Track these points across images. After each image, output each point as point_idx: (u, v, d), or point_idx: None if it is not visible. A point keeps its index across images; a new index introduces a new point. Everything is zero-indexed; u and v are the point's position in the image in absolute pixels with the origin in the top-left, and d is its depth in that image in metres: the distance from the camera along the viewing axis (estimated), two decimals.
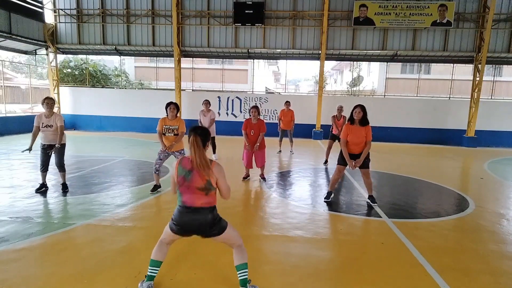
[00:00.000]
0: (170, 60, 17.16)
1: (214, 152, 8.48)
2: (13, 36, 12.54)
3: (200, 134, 2.34)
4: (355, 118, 4.79)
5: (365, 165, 4.87)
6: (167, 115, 5.22)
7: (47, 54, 14.95)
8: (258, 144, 6.15)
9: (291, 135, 9.90)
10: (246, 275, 2.53)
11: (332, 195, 5.23)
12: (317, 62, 14.22)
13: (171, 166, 2.43)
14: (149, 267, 2.57)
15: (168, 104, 5.19)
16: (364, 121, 4.79)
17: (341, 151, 4.98)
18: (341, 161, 5.00)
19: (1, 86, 13.80)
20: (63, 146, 5.19)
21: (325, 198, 5.20)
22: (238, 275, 2.53)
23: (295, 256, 3.34)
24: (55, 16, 14.56)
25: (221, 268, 2.82)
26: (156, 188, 5.41)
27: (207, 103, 8.19)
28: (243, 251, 2.56)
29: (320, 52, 13.79)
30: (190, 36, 14.26)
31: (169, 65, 19.36)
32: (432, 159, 10.18)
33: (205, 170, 2.33)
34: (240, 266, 2.52)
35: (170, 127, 5.17)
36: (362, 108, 4.78)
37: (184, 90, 15.22)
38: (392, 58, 14.57)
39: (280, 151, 9.88)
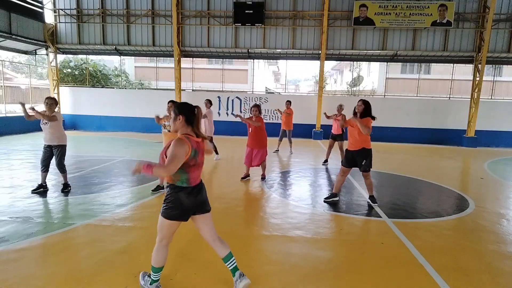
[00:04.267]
0: (170, 60, 17.16)
1: (217, 153, 8.48)
2: (13, 36, 12.54)
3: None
4: (356, 111, 4.85)
5: (365, 170, 4.88)
6: None
7: (47, 54, 14.95)
8: (248, 118, 6.17)
9: (290, 135, 9.92)
10: (235, 262, 2.58)
11: (336, 198, 5.18)
12: (317, 62, 14.22)
13: None
14: (153, 274, 2.54)
15: (168, 102, 5.22)
16: (365, 115, 4.80)
17: (346, 153, 5.03)
18: (345, 163, 5.01)
19: (1, 86, 13.80)
20: (63, 147, 5.16)
21: (325, 198, 5.20)
22: (228, 265, 2.56)
23: (295, 256, 3.34)
24: (55, 16, 14.56)
25: (221, 268, 2.82)
26: (158, 188, 5.42)
27: (206, 103, 8.22)
28: (223, 242, 2.59)
29: (320, 52, 13.78)
30: (190, 36, 14.26)
31: (169, 65, 19.35)
32: (432, 159, 10.18)
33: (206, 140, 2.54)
34: (227, 256, 2.56)
35: (166, 123, 5.27)
36: (364, 102, 4.81)
37: (184, 90, 15.22)
38: (392, 58, 14.57)
39: (277, 150, 9.91)
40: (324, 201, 5.13)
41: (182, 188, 2.39)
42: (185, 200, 2.39)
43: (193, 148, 2.34)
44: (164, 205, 2.42)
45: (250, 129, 6.24)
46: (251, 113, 6.33)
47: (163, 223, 2.44)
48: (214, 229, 2.59)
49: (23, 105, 4.97)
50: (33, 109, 4.98)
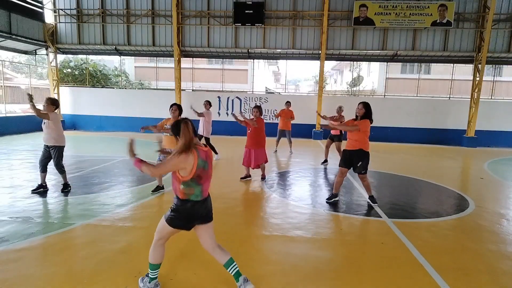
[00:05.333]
0: (170, 60, 17.16)
1: (216, 153, 8.47)
2: (13, 36, 12.53)
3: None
4: (357, 114, 4.86)
5: (360, 172, 4.89)
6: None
7: (47, 54, 14.95)
8: (242, 116, 6.19)
9: (289, 135, 9.91)
10: (237, 267, 2.57)
11: (337, 198, 5.19)
12: (317, 62, 14.22)
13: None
14: (151, 271, 2.56)
15: (171, 106, 5.21)
16: (365, 118, 4.81)
17: (343, 153, 5.03)
18: (343, 164, 5.01)
19: (1, 86, 13.80)
20: (60, 148, 5.13)
21: (327, 199, 5.19)
22: (230, 271, 2.56)
23: (295, 256, 3.34)
24: (55, 16, 14.55)
25: (221, 268, 2.81)
26: (158, 189, 5.42)
27: (206, 104, 8.21)
28: (222, 249, 2.59)
29: (320, 52, 13.78)
30: (190, 36, 14.26)
31: (169, 65, 19.34)
32: (432, 159, 10.18)
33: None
34: (228, 262, 2.55)
35: (168, 126, 5.20)
36: (364, 104, 4.81)
37: (184, 90, 15.22)
38: (392, 58, 14.57)
39: (276, 150, 9.91)
40: (327, 202, 5.12)
41: (195, 201, 2.39)
42: (194, 212, 2.41)
43: (200, 158, 2.35)
44: (172, 214, 2.43)
45: (250, 129, 6.24)
46: (252, 114, 6.34)
47: (165, 228, 2.46)
48: (214, 238, 2.58)
49: (30, 98, 4.76)
50: (31, 101, 4.81)
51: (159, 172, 2.38)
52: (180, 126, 2.37)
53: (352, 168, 4.94)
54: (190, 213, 2.40)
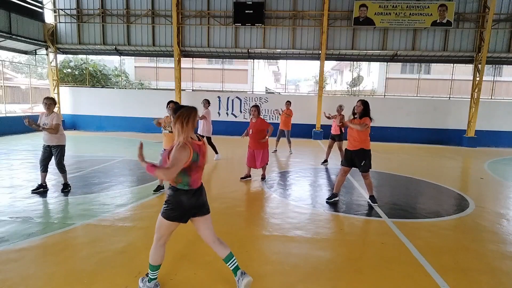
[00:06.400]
0: (170, 60, 17.15)
1: (216, 153, 8.47)
2: (13, 36, 12.53)
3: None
4: (355, 111, 4.88)
5: (364, 170, 4.89)
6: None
7: (47, 54, 14.94)
8: (263, 140, 6.17)
9: (289, 135, 9.91)
10: (237, 262, 2.59)
11: (337, 198, 5.18)
12: (317, 62, 14.22)
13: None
14: (151, 272, 2.57)
15: (168, 103, 5.21)
16: (364, 116, 4.81)
17: (345, 153, 5.07)
18: (345, 163, 5.02)
19: (1, 86, 13.79)
20: (62, 147, 5.15)
21: (327, 199, 5.19)
22: (229, 265, 2.58)
23: (295, 256, 3.34)
24: (55, 16, 14.55)
25: (221, 268, 2.82)
26: (159, 188, 5.42)
27: (205, 103, 8.20)
28: (222, 242, 2.60)
29: (320, 52, 13.78)
30: (190, 36, 14.26)
31: (169, 65, 19.34)
32: (432, 159, 10.18)
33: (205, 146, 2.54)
34: (228, 257, 2.57)
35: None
36: (363, 102, 4.84)
37: (184, 90, 15.22)
38: (392, 58, 14.57)
39: (275, 150, 9.90)
40: (327, 202, 5.13)
41: (184, 190, 2.41)
42: (186, 202, 2.41)
43: (194, 151, 2.36)
44: (165, 206, 2.45)
45: (251, 130, 6.24)
46: (250, 113, 6.34)
47: (162, 223, 2.47)
48: (214, 231, 2.60)
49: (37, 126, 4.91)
50: (37, 125, 4.94)
51: (174, 173, 2.25)
52: (177, 118, 2.34)
53: (356, 167, 4.95)
54: (181, 202, 2.40)
